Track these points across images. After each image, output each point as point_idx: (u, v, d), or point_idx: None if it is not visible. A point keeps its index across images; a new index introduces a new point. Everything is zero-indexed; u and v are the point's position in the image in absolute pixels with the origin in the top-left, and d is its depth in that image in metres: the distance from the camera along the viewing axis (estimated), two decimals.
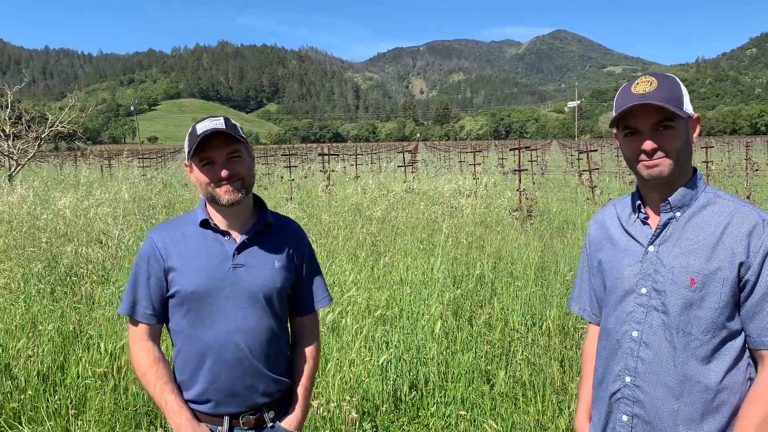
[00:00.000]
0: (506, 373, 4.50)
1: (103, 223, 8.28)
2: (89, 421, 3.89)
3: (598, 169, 20.07)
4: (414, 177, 19.41)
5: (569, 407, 4.10)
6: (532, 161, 22.59)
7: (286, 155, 22.65)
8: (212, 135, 1.91)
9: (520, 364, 4.67)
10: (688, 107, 1.69)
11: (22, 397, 4.24)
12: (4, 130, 20.83)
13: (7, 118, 20.74)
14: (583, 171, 17.62)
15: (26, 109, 22.57)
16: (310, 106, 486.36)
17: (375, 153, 42.92)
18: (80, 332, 5.23)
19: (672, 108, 1.62)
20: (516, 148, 13.37)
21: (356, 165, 22.99)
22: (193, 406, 2.03)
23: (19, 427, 3.90)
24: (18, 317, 5.50)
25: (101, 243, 7.71)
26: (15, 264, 6.84)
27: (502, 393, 4.30)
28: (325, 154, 20.71)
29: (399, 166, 20.69)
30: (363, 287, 6.22)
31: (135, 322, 2.04)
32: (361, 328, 5.10)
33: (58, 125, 20.51)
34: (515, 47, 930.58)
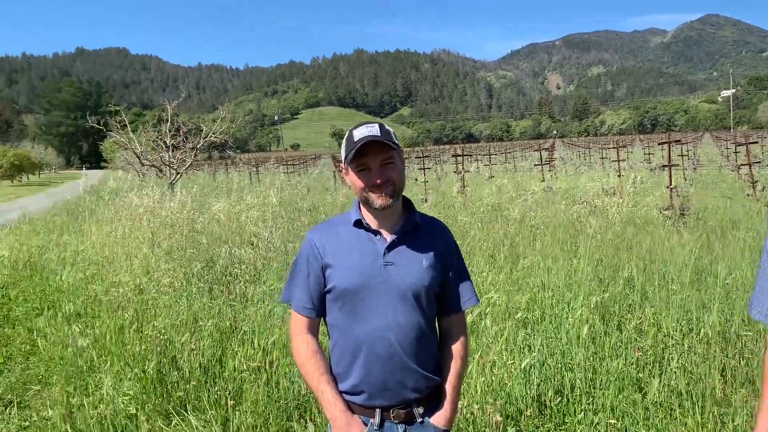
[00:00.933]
0: (660, 381, 4.22)
1: (254, 226, 8.82)
2: (245, 411, 4.14)
3: (759, 162, 18.27)
4: (552, 175, 18.81)
5: (733, 421, 3.76)
6: (682, 156, 21.06)
7: (420, 158, 22.85)
8: (368, 142, 2.00)
9: (675, 372, 4.35)
10: None
11: (187, 387, 4.61)
12: (165, 142, 22.85)
13: (167, 131, 22.71)
14: (742, 165, 16.12)
15: (184, 122, 24.60)
16: (443, 108, 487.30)
17: (509, 152, 42.14)
18: (235, 328, 5.60)
19: None
20: (665, 142, 12.52)
21: (490, 165, 22.71)
22: (347, 397, 2.13)
23: (185, 414, 4.24)
24: (181, 314, 6.00)
25: (252, 245, 8.21)
26: (177, 264, 7.47)
27: (656, 402, 4.03)
28: (459, 155, 20.64)
29: (535, 165, 20.15)
30: (502, 289, 6.12)
31: (296, 315, 2.19)
32: (502, 330, 5.02)
33: (211, 136, 22.13)
34: (660, 36, 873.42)
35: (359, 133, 2.04)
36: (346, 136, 2.10)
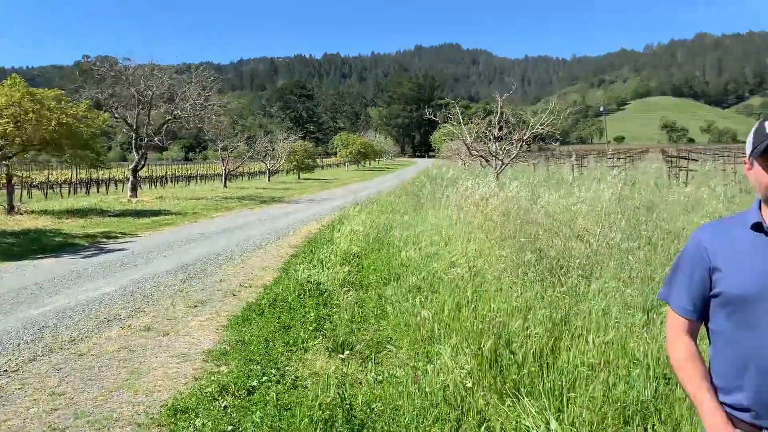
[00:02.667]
0: None
1: (584, 221, 8.65)
2: (581, 406, 4.10)
3: None
4: None
5: None
6: None
7: None
8: None
9: None
10: None
11: (521, 371, 4.75)
12: (493, 134, 23.82)
13: (496, 123, 23.63)
14: None
15: (511, 114, 25.26)
16: None
17: None
18: (567, 321, 5.58)
19: None
20: None
21: None
22: (728, 410, 1.96)
23: (520, 397, 4.38)
24: (514, 299, 6.20)
25: (582, 239, 8.06)
26: (510, 251, 7.72)
27: None
28: None
29: None
30: None
31: (673, 315, 2.10)
32: None
33: (537, 128, 22.33)
34: None
35: None
36: (755, 127, 1.93)
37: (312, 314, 7.12)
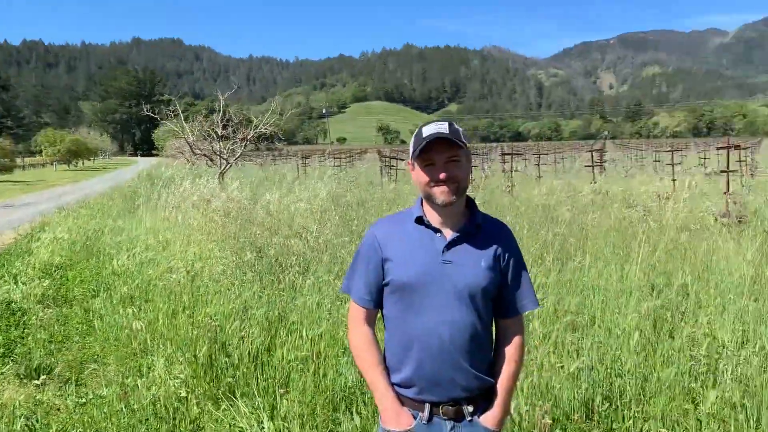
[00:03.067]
0: (715, 392, 4.11)
1: (303, 219, 8.94)
2: (293, 400, 4.21)
3: None
4: (602, 177, 18.44)
5: None
6: (740, 161, 20.38)
7: None
8: (436, 139, 2.04)
9: (729, 384, 4.24)
10: None
11: (236, 373, 4.72)
12: (216, 132, 23.32)
13: (219, 122, 23.17)
14: None
15: (234, 113, 25.02)
16: (491, 105, 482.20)
17: (558, 152, 41.47)
18: (284, 318, 5.69)
19: None
20: (724, 147, 12.15)
21: (539, 165, 22.40)
22: (398, 389, 2.16)
23: (234, 399, 4.34)
24: (232, 301, 6.13)
25: (301, 237, 8.32)
26: (230, 252, 7.63)
27: (710, 414, 3.93)
28: (507, 154, 20.43)
29: (586, 166, 19.79)
30: (551, 291, 6.06)
31: (355, 306, 2.24)
32: (550, 332, 4.98)
33: (261, 127, 22.46)
34: (720, 36, 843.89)
35: (428, 130, 2.08)
36: (415, 132, 2.15)
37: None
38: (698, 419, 3.89)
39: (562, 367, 4.35)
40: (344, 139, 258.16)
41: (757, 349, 4.77)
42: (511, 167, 19.01)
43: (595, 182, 15.20)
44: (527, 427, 3.71)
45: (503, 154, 22.45)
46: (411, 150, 2.12)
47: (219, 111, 23.50)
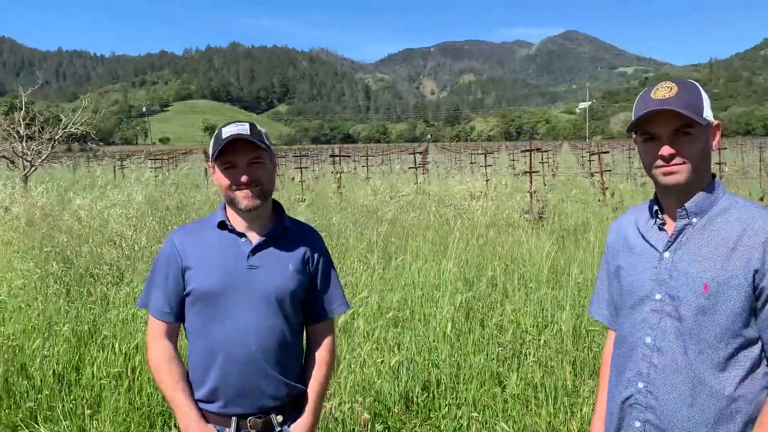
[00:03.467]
0: (518, 375, 4.50)
1: (118, 225, 8.37)
2: (104, 421, 3.93)
3: (609, 170, 19.95)
4: (425, 178, 19.42)
5: (581, 410, 4.10)
6: (543, 163, 22.54)
7: (297, 156, 22.74)
8: (236, 140, 1.95)
9: (531, 366, 4.67)
10: (708, 114, 1.68)
11: (39, 396, 4.29)
12: (18, 132, 21.06)
13: (21, 120, 20.94)
14: (595, 172, 17.55)
15: (40, 111, 22.77)
16: (321, 107, 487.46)
17: (386, 154, 42.97)
18: (95, 332, 5.28)
19: (691, 115, 1.61)
20: (527, 150, 13.36)
21: (367, 166, 23.02)
22: (202, 405, 2.04)
23: (36, 426, 3.95)
24: (34, 317, 5.56)
25: (115, 244, 7.78)
26: (33, 264, 6.92)
27: (514, 395, 4.30)
28: (336, 156, 20.76)
29: (410, 168, 20.71)
30: (374, 289, 6.24)
31: (153, 320, 2.09)
32: (373, 330, 5.13)
33: (71, 127, 20.68)
34: (526, 48, 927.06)
35: (228, 131, 1.98)
36: (215, 134, 2.04)
37: None
38: (505, 401, 4.24)
39: (383, 362, 4.50)
40: (167, 140, 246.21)
41: (554, 333, 5.29)
42: (340, 169, 19.35)
43: (416, 183, 15.95)
44: (349, 425, 3.78)
45: (332, 156, 22.75)
46: (210, 151, 2.02)
47: (21, 108, 21.21)
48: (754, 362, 1.63)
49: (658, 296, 1.71)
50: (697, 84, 1.70)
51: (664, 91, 1.68)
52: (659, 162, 1.68)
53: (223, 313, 2.00)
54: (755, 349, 1.63)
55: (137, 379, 4.36)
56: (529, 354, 4.88)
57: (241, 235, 2.06)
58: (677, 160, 1.66)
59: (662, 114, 1.65)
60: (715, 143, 1.72)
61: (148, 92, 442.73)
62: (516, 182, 17.91)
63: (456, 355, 4.84)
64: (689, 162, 1.66)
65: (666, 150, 1.66)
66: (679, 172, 1.66)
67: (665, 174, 1.68)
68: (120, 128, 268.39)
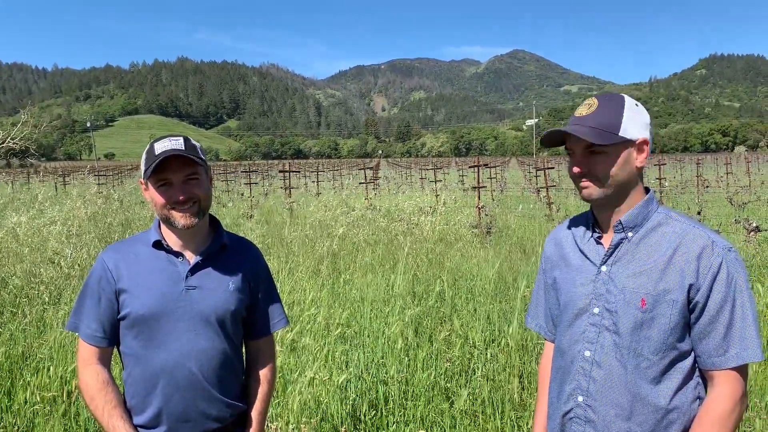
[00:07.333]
0: (466, 390, 4.51)
1: (57, 242, 8.06)
2: None
3: (555, 186, 20.44)
4: (375, 194, 19.44)
5: (527, 424, 4.12)
6: (491, 178, 22.90)
7: (247, 172, 22.46)
8: (171, 156, 1.86)
9: (479, 381, 4.68)
10: (631, 130, 1.68)
11: None
12: None
13: None
14: (541, 188, 17.93)
15: None
16: (272, 123, 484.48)
17: (337, 170, 42.92)
18: (29, 356, 5.06)
19: (591, 138, 1.63)
20: (475, 165, 13.54)
21: (318, 182, 22.92)
22: (142, 431, 1.96)
23: None
24: None
25: (53, 263, 7.49)
26: None
27: (462, 411, 4.30)
28: (286, 171, 20.59)
29: (361, 183, 20.71)
30: (323, 305, 6.18)
31: (84, 345, 1.98)
32: (321, 347, 5.06)
33: (9, 141, 19.97)
34: (474, 66, 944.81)
35: (161, 146, 1.89)
36: (146, 149, 1.95)
37: None
38: (453, 417, 4.23)
39: (330, 379, 4.44)
40: (113, 155, 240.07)
41: (502, 346, 5.33)
42: (290, 184, 19.18)
43: (367, 198, 15.95)
44: None
45: (282, 171, 22.57)
46: (143, 168, 1.92)
47: None
48: (686, 374, 1.66)
49: (596, 310, 1.73)
50: (626, 98, 1.72)
51: (583, 109, 1.72)
52: (575, 177, 1.73)
53: (163, 337, 1.93)
54: (688, 362, 1.66)
55: (74, 403, 4.18)
56: (477, 369, 4.89)
57: (178, 254, 1.99)
58: (587, 178, 1.70)
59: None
60: (641, 159, 1.71)
61: (93, 107, 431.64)
62: (465, 197, 18.12)
63: (405, 371, 4.82)
64: (599, 179, 1.68)
65: (575, 169, 1.71)
66: (590, 188, 1.70)
67: (581, 188, 1.72)
68: (63, 144, 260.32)
